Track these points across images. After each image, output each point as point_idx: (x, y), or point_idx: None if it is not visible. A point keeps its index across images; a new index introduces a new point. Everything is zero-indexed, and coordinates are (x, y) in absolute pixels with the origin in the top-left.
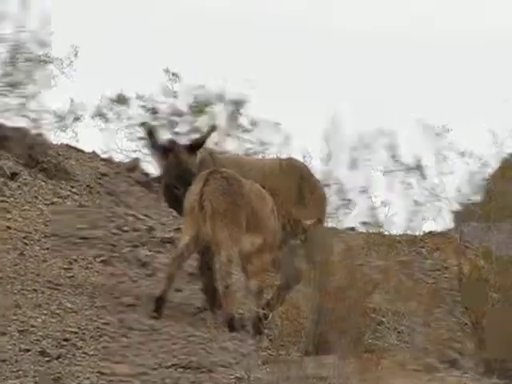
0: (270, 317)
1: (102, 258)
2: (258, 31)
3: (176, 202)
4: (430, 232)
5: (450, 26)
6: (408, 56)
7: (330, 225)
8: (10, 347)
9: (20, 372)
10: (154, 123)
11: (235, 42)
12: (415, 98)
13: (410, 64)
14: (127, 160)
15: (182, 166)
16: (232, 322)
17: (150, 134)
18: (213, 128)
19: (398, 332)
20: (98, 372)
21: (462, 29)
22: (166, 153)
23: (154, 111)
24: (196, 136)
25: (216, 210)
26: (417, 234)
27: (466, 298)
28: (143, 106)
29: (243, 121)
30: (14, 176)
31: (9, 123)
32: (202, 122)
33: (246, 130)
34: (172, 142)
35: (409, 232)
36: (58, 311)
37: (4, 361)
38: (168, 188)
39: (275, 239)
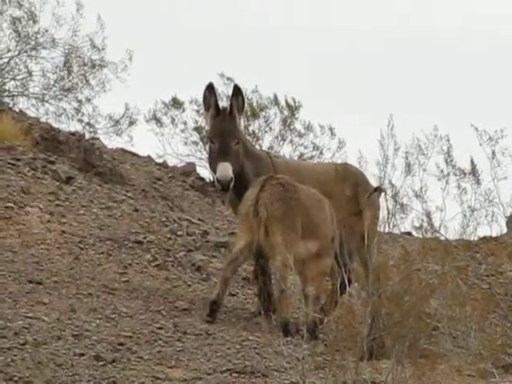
0: (325, 321)
1: (156, 263)
2: (307, 37)
3: (210, 155)
4: (485, 237)
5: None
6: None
7: (386, 230)
8: (64, 351)
9: (75, 376)
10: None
11: (287, 48)
12: (468, 100)
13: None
14: (182, 164)
15: (226, 125)
16: (287, 327)
17: (211, 89)
18: (237, 90)
19: (454, 337)
20: (153, 376)
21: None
22: (219, 111)
23: None
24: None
25: (271, 215)
26: (471, 239)
27: None
28: (197, 111)
29: (297, 125)
30: (69, 180)
31: (64, 127)
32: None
33: (300, 135)
34: (226, 107)
35: (464, 237)
36: (112, 315)
37: (59, 365)
38: (208, 145)
39: (332, 244)
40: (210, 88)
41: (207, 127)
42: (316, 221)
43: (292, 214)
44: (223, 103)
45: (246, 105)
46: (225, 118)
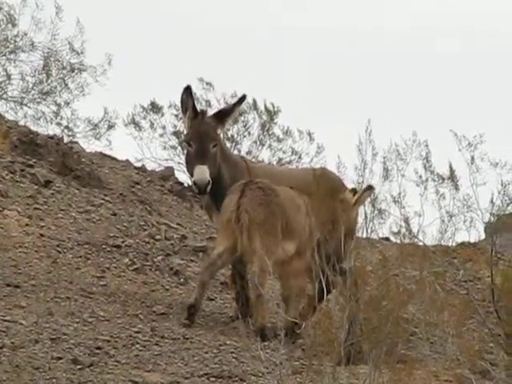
0: (303, 326)
1: (134, 267)
2: (281, 41)
3: (187, 158)
4: (463, 243)
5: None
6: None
7: (364, 235)
8: (42, 355)
9: (53, 380)
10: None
11: (264, 53)
12: (447, 106)
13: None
14: (160, 169)
15: (204, 128)
16: (263, 332)
17: (188, 92)
18: (242, 99)
19: (431, 342)
20: (130, 380)
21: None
22: (196, 113)
23: None
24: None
25: (253, 221)
26: (449, 245)
27: (499, 309)
28: (176, 115)
29: (276, 130)
30: (47, 184)
31: (42, 131)
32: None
33: (278, 140)
34: (204, 110)
35: (442, 243)
36: (90, 319)
37: (37, 368)
38: (185, 147)
39: (310, 242)
40: (188, 90)
41: (185, 130)
42: (293, 221)
43: (272, 218)
44: (203, 108)
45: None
46: (203, 121)
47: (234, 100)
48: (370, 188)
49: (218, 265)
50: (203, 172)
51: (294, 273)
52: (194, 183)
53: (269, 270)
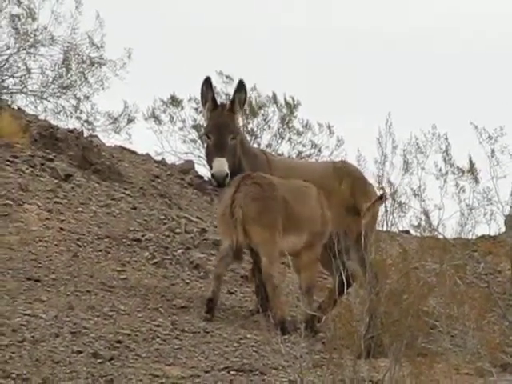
0: (323, 320)
1: (154, 260)
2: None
3: (207, 151)
4: (483, 236)
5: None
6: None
7: (384, 228)
8: (62, 349)
9: (73, 374)
10: None
11: (286, 48)
12: (467, 99)
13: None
14: (180, 162)
15: (222, 120)
16: (284, 324)
17: (208, 84)
18: (239, 85)
19: (451, 336)
20: (151, 374)
21: None
22: (216, 105)
23: None
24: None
25: (247, 216)
26: (469, 237)
27: None
28: (196, 109)
29: (296, 123)
30: (67, 178)
31: (62, 125)
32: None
33: (298, 133)
34: (224, 103)
35: (462, 236)
36: (110, 313)
37: (57, 362)
38: (205, 140)
39: (322, 234)
40: (207, 82)
41: (205, 123)
42: (300, 213)
43: (269, 212)
44: (222, 100)
45: (247, 101)
46: (222, 113)
47: (236, 89)
48: (382, 197)
49: (230, 256)
50: (221, 165)
51: (304, 265)
52: (212, 176)
53: (277, 260)
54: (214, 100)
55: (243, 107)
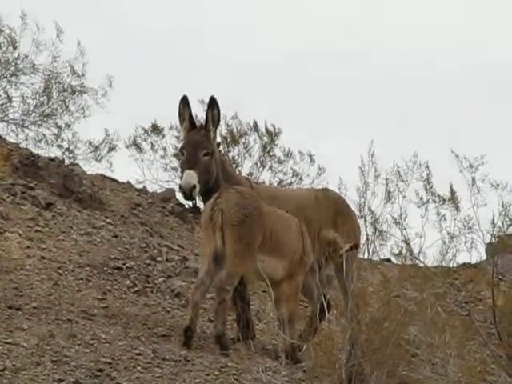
0: (304, 348)
1: (135, 289)
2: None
3: (180, 167)
4: (464, 264)
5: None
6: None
7: (365, 256)
8: (43, 377)
9: None
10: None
11: (267, 76)
12: (448, 127)
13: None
14: (161, 190)
15: (196, 137)
16: (221, 339)
17: (185, 102)
18: (211, 101)
19: (433, 364)
20: None
21: None
22: (192, 124)
23: None
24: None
25: (227, 221)
26: (450, 266)
27: (500, 330)
28: (177, 137)
29: (277, 151)
30: (48, 206)
31: (43, 153)
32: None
33: (279, 161)
34: (202, 123)
35: (443, 264)
36: (91, 341)
37: None
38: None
39: (303, 264)
40: (184, 101)
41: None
42: (281, 239)
43: (249, 221)
44: (200, 120)
45: (221, 117)
46: (198, 132)
47: (207, 105)
48: (355, 247)
49: (206, 284)
50: (189, 176)
51: (285, 296)
52: (180, 187)
53: (237, 278)
54: (191, 119)
55: (218, 124)
